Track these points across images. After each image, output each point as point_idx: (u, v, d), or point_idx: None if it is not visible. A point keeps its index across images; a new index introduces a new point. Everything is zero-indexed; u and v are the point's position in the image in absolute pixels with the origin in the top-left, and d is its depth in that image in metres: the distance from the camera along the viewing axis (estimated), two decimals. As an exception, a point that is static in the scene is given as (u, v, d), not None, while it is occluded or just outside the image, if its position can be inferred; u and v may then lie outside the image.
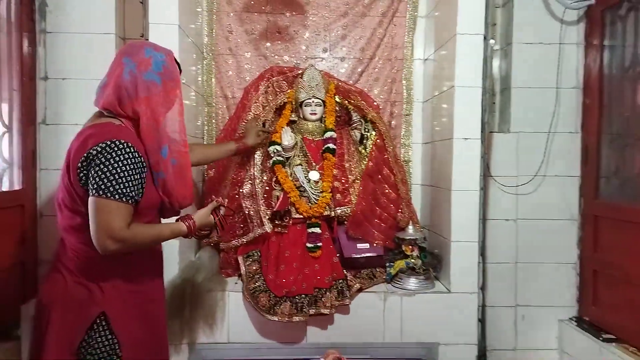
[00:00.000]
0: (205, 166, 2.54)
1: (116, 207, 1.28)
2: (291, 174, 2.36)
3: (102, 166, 1.26)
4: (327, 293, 2.11)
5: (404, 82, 2.75)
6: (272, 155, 2.36)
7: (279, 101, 2.48)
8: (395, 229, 2.43)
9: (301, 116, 2.48)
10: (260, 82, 2.49)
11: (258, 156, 2.35)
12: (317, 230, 2.28)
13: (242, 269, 2.22)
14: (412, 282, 2.25)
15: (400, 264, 2.32)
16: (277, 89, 2.52)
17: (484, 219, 2.42)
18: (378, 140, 2.49)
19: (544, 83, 2.59)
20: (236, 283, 2.26)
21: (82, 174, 1.29)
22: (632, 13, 2.34)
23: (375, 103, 2.63)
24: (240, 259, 2.25)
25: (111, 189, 1.26)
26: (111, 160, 1.27)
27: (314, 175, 2.36)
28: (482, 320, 2.33)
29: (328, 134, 2.43)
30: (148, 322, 1.51)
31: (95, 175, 1.26)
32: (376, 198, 2.43)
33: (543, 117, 2.59)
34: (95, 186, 1.26)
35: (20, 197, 2.29)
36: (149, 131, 1.37)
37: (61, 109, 2.42)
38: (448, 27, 2.31)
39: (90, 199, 1.28)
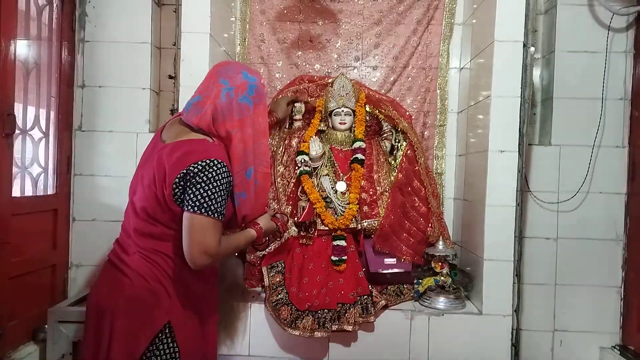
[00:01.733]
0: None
1: (212, 225, 1.34)
2: (318, 184, 2.31)
3: (203, 184, 1.31)
4: (351, 309, 2.04)
5: (438, 91, 2.66)
6: (300, 165, 2.32)
7: (308, 100, 2.45)
8: (425, 244, 2.33)
9: (330, 125, 2.44)
10: (289, 88, 2.47)
11: (278, 162, 2.33)
12: (343, 243, 2.22)
13: (266, 280, 2.18)
14: (441, 302, 2.15)
15: (429, 281, 2.22)
16: (308, 93, 2.49)
17: (520, 237, 2.29)
18: (409, 152, 2.41)
19: (588, 93, 2.44)
20: (259, 294, 2.23)
21: (177, 189, 1.34)
22: (689, 19, 2.17)
23: (407, 113, 2.55)
24: (264, 269, 2.22)
25: (208, 206, 1.32)
26: (211, 179, 1.32)
27: (341, 186, 2.30)
28: (515, 345, 2.20)
29: (357, 144, 2.37)
30: (204, 335, 1.56)
31: (196, 192, 1.31)
32: (405, 211, 2.35)
33: (587, 130, 2.44)
34: (195, 203, 1.31)
35: (54, 202, 2.35)
36: (238, 153, 1.43)
37: (96, 116, 2.49)
38: (486, 34, 2.22)
39: (188, 215, 1.33)
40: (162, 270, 1.43)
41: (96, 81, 2.49)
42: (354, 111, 2.41)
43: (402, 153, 2.42)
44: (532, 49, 2.20)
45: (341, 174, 2.35)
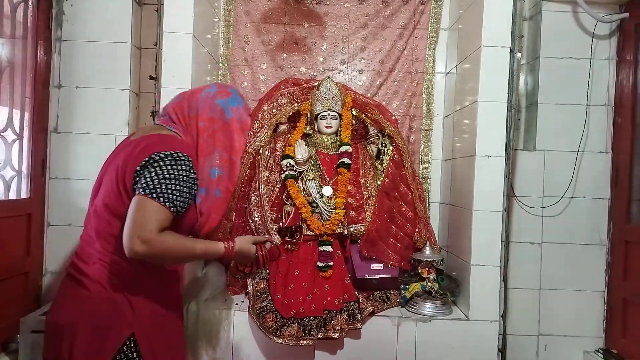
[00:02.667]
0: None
1: (156, 209, 1.22)
2: (304, 188, 2.27)
3: (158, 169, 1.24)
4: (338, 316, 2.00)
5: (424, 96, 2.65)
6: (285, 169, 2.28)
7: (292, 107, 2.41)
8: (412, 250, 2.31)
9: (316, 129, 2.40)
10: (274, 93, 2.42)
11: (263, 166, 2.29)
12: (329, 248, 2.18)
13: (250, 287, 2.13)
14: (428, 307, 2.13)
15: (416, 287, 2.20)
16: (292, 98, 2.45)
17: (506, 242, 2.29)
18: (395, 156, 2.39)
19: (572, 99, 2.46)
20: (242, 301, 2.17)
21: (137, 178, 1.26)
22: (670, 27, 2.21)
23: (393, 117, 2.54)
24: (248, 276, 2.16)
25: (158, 191, 1.22)
26: (169, 167, 1.25)
27: (328, 190, 2.26)
28: (502, 350, 2.19)
29: (343, 148, 2.34)
30: (171, 347, 1.43)
31: (148, 176, 1.23)
32: (392, 216, 2.32)
33: (571, 135, 2.46)
34: (143, 185, 1.23)
35: (28, 206, 2.25)
36: (205, 149, 1.38)
37: (73, 118, 2.40)
38: (472, 39, 2.21)
39: (134, 198, 1.23)
40: (122, 277, 1.31)
41: (73, 81, 2.39)
42: (340, 115, 2.38)
43: (388, 157, 2.40)
44: (519, 54, 2.21)
45: (327, 178, 2.31)
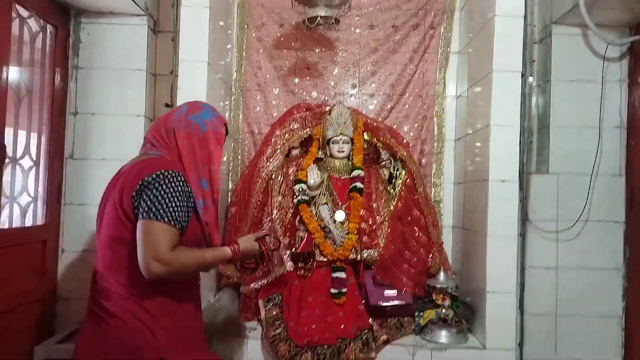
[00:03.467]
0: (227, 204, 2.48)
1: (164, 230, 1.29)
2: (316, 213, 2.27)
3: (154, 191, 1.30)
4: (352, 344, 1.98)
5: (435, 119, 2.66)
6: (297, 194, 2.28)
7: (304, 132, 2.43)
8: (425, 275, 2.29)
9: (328, 154, 2.41)
10: (287, 118, 2.44)
11: (275, 191, 2.29)
12: (342, 275, 2.16)
13: (262, 313, 2.12)
14: (443, 335, 2.10)
15: (431, 314, 2.17)
16: (304, 122, 2.47)
17: (522, 267, 2.26)
18: (408, 180, 2.38)
19: (585, 122, 2.45)
20: (255, 329, 2.15)
21: (136, 203, 1.31)
22: (682, 50, 2.20)
23: (405, 141, 2.54)
24: (260, 302, 2.15)
25: (161, 211, 1.28)
26: (163, 186, 1.31)
27: (340, 215, 2.26)
28: (520, 379, 2.15)
29: (355, 173, 2.34)
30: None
31: (147, 199, 1.29)
32: (405, 241, 2.31)
33: (584, 158, 2.44)
34: (145, 209, 1.29)
35: (43, 233, 2.27)
36: (189, 162, 1.43)
37: (89, 144, 2.43)
38: (483, 63, 2.22)
39: (139, 223, 1.29)
40: (139, 306, 1.33)
41: (89, 108, 2.43)
42: (352, 139, 2.39)
43: (400, 182, 2.40)
44: (531, 78, 2.21)
45: (340, 203, 2.31)
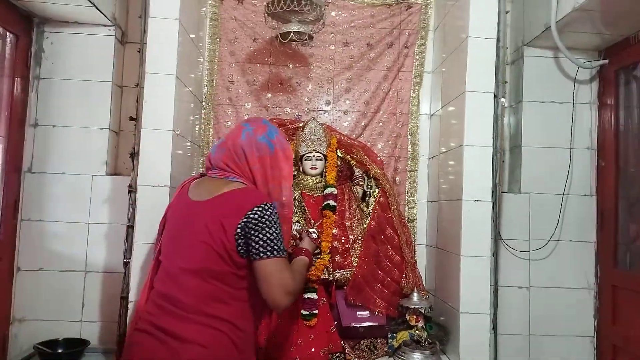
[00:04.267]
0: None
1: (284, 264, 1.39)
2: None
3: (266, 228, 1.35)
4: (323, 368, 1.91)
5: (409, 137, 2.64)
6: (269, 212, 2.21)
7: None
8: (399, 296, 2.24)
9: (301, 170, 2.36)
10: (259, 135, 2.38)
11: None
12: (314, 295, 2.09)
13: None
14: (416, 357, 2.04)
15: (404, 335, 2.12)
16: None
17: (495, 287, 2.24)
18: (381, 198, 2.35)
19: (556, 142, 2.49)
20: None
21: (240, 240, 1.35)
22: (648, 74, 2.26)
23: (378, 158, 2.52)
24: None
25: (276, 248, 1.35)
26: (270, 221, 1.36)
27: (312, 234, 2.20)
28: (493, 402, 2.11)
29: (328, 190, 2.29)
30: None
31: (262, 238, 1.34)
32: (379, 261, 2.26)
33: (555, 178, 2.47)
34: (265, 249, 1.34)
35: (-4, 250, 2.14)
36: (262, 185, 1.50)
37: (49, 157, 2.33)
38: (456, 83, 2.22)
39: (261, 262, 1.35)
40: (228, 338, 1.36)
41: (50, 120, 2.33)
42: (325, 156, 2.35)
43: (374, 200, 2.36)
44: (503, 100, 2.22)
45: (312, 221, 2.25)
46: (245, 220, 1.34)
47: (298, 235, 1.82)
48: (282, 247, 1.37)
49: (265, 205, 1.38)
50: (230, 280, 1.38)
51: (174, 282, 1.40)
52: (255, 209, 1.35)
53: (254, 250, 1.35)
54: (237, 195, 1.41)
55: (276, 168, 1.52)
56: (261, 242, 1.34)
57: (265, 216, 1.36)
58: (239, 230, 1.34)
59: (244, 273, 1.39)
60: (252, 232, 1.34)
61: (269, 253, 1.34)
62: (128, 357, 1.43)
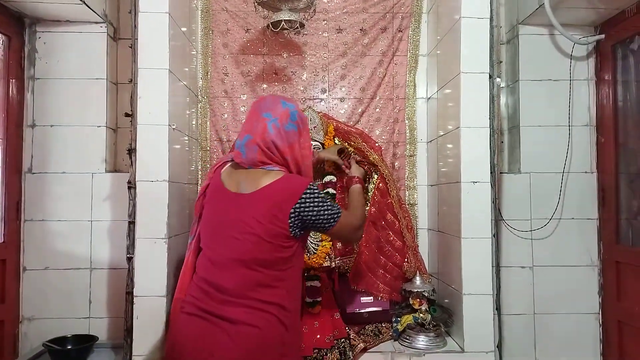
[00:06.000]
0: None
1: (345, 216, 1.59)
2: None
3: (320, 204, 1.51)
4: (328, 354, 1.93)
5: (406, 121, 2.63)
6: (268, 202, 2.21)
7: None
8: (401, 280, 2.25)
9: (299, 160, 2.36)
10: (256, 126, 2.38)
11: None
12: (317, 283, 2.10)
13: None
14: (421, 340, 2.06)
15: (408, 319, 2.13)
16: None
17: (497, 268, 2.24)
18: (380, 184, 2.34)
19: (554, 121, 2.47)
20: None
21: (294, 224, 1.48)
22: (645, 47, 2.23)
23: (377, 144, 2.50)
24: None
25: (336, 211, 1.55)
26: (319, 196, 1.52)
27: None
28: (499, 381, 2.12)
29: (327, 178, 2.29)
30: None
31: (323, 211, 1.51)
32: (380, 246, 2.26)
33: (555, 157, 2.45)
34: (327, 220, 1.52)
35: (2, 251, 2.17)
36: (294, 168, 1.60)
37: (48, 157, 2.34)
38: (451, 65, 2.21)
39: (332, 230, 1.56)
40: (276, 319, 1.45)
41: (48, 120, 2.34)
42: (322, 144, 2.34)
43: (373, 186, 2.35)
44: (498, 79, 2.20)
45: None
46: (298, 204, 1.47)
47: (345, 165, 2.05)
48: (337, 208, 1.55)
49: (310, 186, 1.50)
50: (277, 266, 1.48)
51: (219, 271, 1.48)
52: (304, 194, 1.48)
53: (320, 225, 1.52)
54: (283, 185, 1.50)
55: (304, 147, 1.62)
56: (324, 216, 1.51)
57: (314, 195, 1.49)
58: (293, 216, 1.47)
59: (290, 254, 1.50)
60: (310, 212, 1.48)
61: (332, 221, 1.53)
62: (178, 339, 1.50)
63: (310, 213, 1.48)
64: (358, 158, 1.94)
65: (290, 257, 1.51)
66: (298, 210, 1.47)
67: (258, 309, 1.44)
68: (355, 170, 1.96)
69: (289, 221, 1.46)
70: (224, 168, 1.66)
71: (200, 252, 1.62)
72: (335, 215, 1.54)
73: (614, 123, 2.38)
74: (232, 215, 1.50)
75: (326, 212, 1.51)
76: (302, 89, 2.63)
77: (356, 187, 1.86)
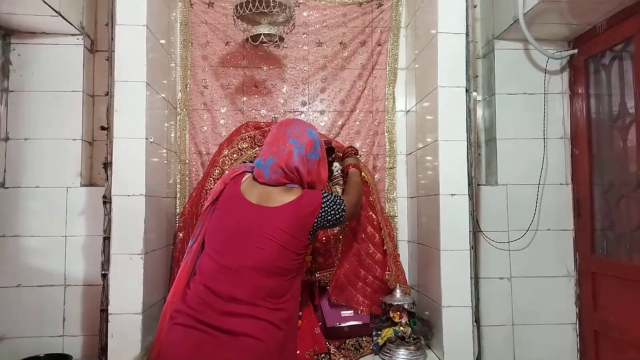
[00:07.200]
0: (175, 229, 2.37)
1: (346, 201, 1.76)
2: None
3: (334, 206, 1.69)
4: (308, 370, 1.90)
5: (386, 134, 2.65)
6: (248, 216, 2.20)
7: (253, 152, 2.35)
8: (382, 293, 2.25)
9: (279, 173, 2.35)
10: (234, 138, 2.37)
11: None
12: (297, 297, 2.09)
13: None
14: (401, 354, 2.05)
15: (389, 332, 2.13)
16: (253, 142, 2.40)
17: (476, 279, 2.26)
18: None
19: (530, 134, 2.51)
20: None
21: (315, 228, 1.65)
22: (616, 62, 2.29)
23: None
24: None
25: (343, 206, 1.73)
26: (331, 198, 1.70)
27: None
28: (479, 394, 2.13)
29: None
30: None
31: (337, 212, 1.70)
32: (360, 259, 2.26)
33: (531, 169, 2.49)
34: (342, 214, 1.72)
35: (-30, 269, 2.10)
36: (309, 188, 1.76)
37: (22, 171, 2.29)
38: (429, 79, 2.23)
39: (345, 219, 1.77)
40: (277, 329, 1.50)
41: (22, 133, 2.29)
42: (302, 157, 2.34)
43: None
44: (474, 93, 2.24)
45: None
46: (320, 212, 1.64)
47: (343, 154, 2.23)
48: (340, 199, 1.72)
49: (326, 195, 1.69)
50: (290, 274, 1.59)
51: (230, 279, 1.52)
52: (322, 202, 1.66)
53: (336, 221, 1.71)
54: (305, 200, 1.64)
55: (321, 173, 1.80)
56: (338, 215, 1.70)
57: (329, 201, 1.68)
58: (315, 225, 1.64)
59: (300, 261, 1.64)
60: (328, 216, 1.67)
61: (343, 212, 1.72)
62: (170, 353, 1.47)
63: (329, 217, 1.67)
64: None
65: (300, 265, 1.65)
66: (319, 218, 1.64)
67: (263, 319, 1.48)
68: (348, 160, 2.16)
69: (311, 230, 1.63)
70: (244, 178, 1.74)
71: (200, 255, 1.65)
72: (343, 211, 1.71)
73: (588, 135, 2.43)
74: (254, 225, 1.58)
75: (338, 211, 1.69)
76: (282, 101, 2.63)
77: (352, 170, 2.08)
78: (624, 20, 2.14)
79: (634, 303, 2.06)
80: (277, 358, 1.49)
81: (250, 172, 1.77)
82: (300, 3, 2.61)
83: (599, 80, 2.41)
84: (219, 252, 1.58)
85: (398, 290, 2.19)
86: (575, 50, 2.46)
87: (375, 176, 2.63)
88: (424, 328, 2.19)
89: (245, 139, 2.37)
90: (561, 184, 2.51)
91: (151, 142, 2.04)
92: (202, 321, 1.46)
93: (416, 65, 2.49)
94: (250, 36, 2.15)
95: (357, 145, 2.63)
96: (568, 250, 2.50)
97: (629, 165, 2.19)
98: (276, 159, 1.66)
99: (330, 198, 1.70)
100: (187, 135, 2.54)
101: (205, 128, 2.56)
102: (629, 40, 2.14)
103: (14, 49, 2.30)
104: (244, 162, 1.98)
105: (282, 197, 1.64)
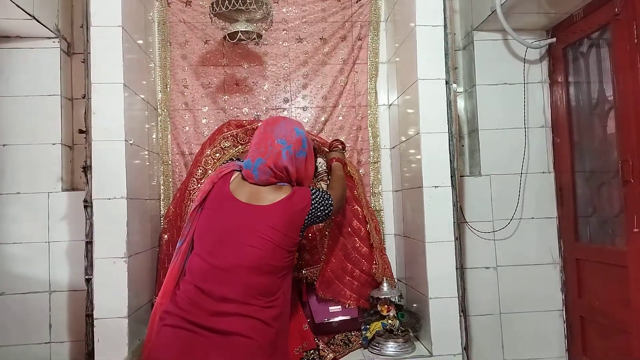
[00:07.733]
0: (160, 231, 2.36)
1: (333, 196, 1.78)
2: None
3: (323, 201, 1.72)
4: (297, 367, 1.91)
5: (369, 129, 2.65)
6: (232, 215, 2.19)
7: (236, 150, 2.34)
8: (369, 287, 2.25)
9: (263, 171, 2.34)
10: (217, 137, 2.35)
11: None
12: (284, 295, 2.09)
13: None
14: (390, 347, 2.06)
15: (377, 326, 2.13)
16: (236, 140, 2.39)
17: (462, 270, 2.27)
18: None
19: (511, 123, 2.53)
20: None
21: (306, 224, 1.67)
22: (594, 49, 2.31)
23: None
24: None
25: (330, 201, 1.75)
26: (319, 194, 1.73)
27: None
28: (468, 383, 2.14)
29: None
30: None
31: (325, 208, 1.73)
32: (347, 253, 2.26)
33: (514, 158, 2.51)
34: (330, 210, 1.75)
35: (-49, 279, 2.07)
36: (297, 185, 1.80)
37: (1, 178, 2.27)
38: (409, 72, 2.24)
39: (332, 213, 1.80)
40: (268, 327, 1.51)
41: (0, 139, 2.25)
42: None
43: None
44: (454, 85, 2.24)
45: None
46: (311, 209, 1.67)
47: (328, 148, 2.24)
48: (327, 194, 1.75)
49: (314, 192, 1.71)
50: (281, 272, 1.59)
51: (221, 279, 1.51)
52: (312, 199, 1.68)
53: (324, 216, 1.74)
54: (295, 198, 1.66)
55: (308, 169, 1.83)
56: (327, 210, 1.73)
57: (318, 197, 1.70)
58: (307, 220, 1.67)
59: (292, 258, 1.66)
60: (318, 212, 1.69)
61: (331, 207, 1.75)
62: (159, 354, 1.46)
63: (318, 212, 1.70)
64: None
65: (291, 262, 1.66)
66: (310, 215, 1.67)
67: (254, 317, 1.48)
68: (332, 154, 2.18)
69: (303, 224, 1.65)
70: (233, 177, 1.73)
71: (190, 256, 1.64)
72: (331, 206, 1.74)
73: (568, 124, 2.45)
74: (246, 224, 1.58)
75: (326, 206, 1.72)
76: (264, 99, 2.62)
77: (335, 164, 2.11)
78: (599, 8, 2.16)
79: (617, 288, 2.09)
80: (269, 355, 1.49)
81: (238, 170, 1.75)
82: (279, -1, 2.60)
83: (578, 69, 2.43)
84: (209, 252, 1.56)
85: (385, 284, 2.20)
86: (554, 39, 2.48)
87: (360, 171, 2.63)
88: (411, 320, 2.19)
89: (228, 137, 2.36)
90: (543, 172, 2.53)
91: (131, 144, 2.02)
92: (192, 322, 1.46)
93: (397, 59, 2.49)
94: (228, 34, 2.13)
95: (341, 140, 2.63)
96: (552, 237, 2.52)
97: (609, 152, 2.22)
98: (265, 159, 1.67)
99: (319, 194, 1.72)
100: (169, 136, 2.52)
101: (187, 128, 2.55)
102: (605, 27, 2.16)
103: (-12, 54, 2.26)
104: (230, 160, 1.96)
105: (273, 195, 1.65)
